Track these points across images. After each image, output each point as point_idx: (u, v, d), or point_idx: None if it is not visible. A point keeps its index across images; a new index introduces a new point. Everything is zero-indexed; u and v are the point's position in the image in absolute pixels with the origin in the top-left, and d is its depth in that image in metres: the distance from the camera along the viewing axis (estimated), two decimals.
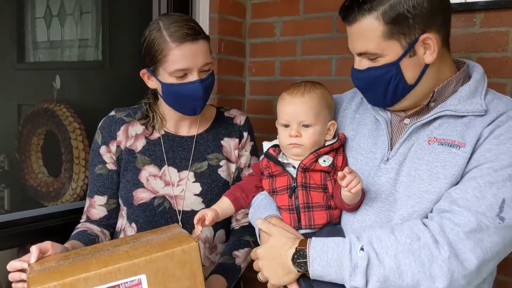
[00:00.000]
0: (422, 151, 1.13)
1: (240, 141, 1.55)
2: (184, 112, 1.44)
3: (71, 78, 2.04)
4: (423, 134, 1.15)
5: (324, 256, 1.07)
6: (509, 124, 1.08)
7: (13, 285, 1.17)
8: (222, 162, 1.51)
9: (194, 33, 1.36)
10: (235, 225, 1.57)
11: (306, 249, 1.09)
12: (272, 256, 1.15)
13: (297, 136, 1.21)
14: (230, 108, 1.62)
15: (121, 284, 1.06)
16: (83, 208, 1.88)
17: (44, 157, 1.98)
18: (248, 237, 1.54)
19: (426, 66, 1.13)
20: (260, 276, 1.20)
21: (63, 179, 2.05)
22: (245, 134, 1.56)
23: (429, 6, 1.08)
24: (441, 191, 1.08)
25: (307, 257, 1.08)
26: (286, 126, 1.24)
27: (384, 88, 1.14)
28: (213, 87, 1.44)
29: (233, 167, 1.54)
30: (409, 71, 1.12)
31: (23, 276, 1.14)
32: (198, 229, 1.24)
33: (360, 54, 1.15)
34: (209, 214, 1.25)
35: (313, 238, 1.11)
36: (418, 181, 1.11)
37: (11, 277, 1.16)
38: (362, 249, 1.05)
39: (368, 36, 1.11)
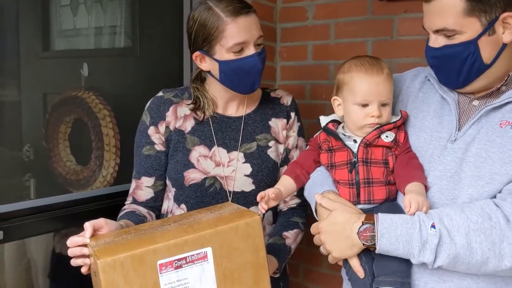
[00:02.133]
0: (494, 134, 1.13)
1: (288, 122, 1.53)
2: (242, 90, 1.42)
3: (99, 65, 2.02)
4: (494, 117, 1.15)
5: (392, 232, 1.08)
6: None
7: (72, 261, 1.15)
8: (271, 143, 1.50)
9: (245, 6, 1.36)
10: (282, 206, 1.56)
11: (372, 223, 1.10)
12: (336, 229, 1.16)
13: (379, 116, 1.21)
14: (276, 89, 1.61)
15: (188, 256, 1.06)
16: (117, 192, 1.88)
17: (72, 145, 1.97)
18: (297, 218, 1.53)
19: (504, 46, 1.12)
20: (322, 249, 1.22)
21: (93, 167, 2.03)
22: (293, 114, 1.55)
23: None
24: None
25: (375, 232, 1.09)
26: (364, 105, 1.22)
27: (459, 67, 1.13)
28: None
29: (281, 148, 1.52)
30: (486, 50, 1.11)
31: (85, 250, 1.13)
32: (262, 207, 1.23)
33: (437, 31, 1.14)
34: (271, 191, 1.24)
35: (379, 213, 1.11)
36: (489, 162, 1.11)
37: (71, 252, 1.14)
38: (433, 226, 1.06)
39: (448, 12, 1.09)
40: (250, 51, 1.35)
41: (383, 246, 1.08)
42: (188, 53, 1.46)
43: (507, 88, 1.16)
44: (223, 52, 1.35)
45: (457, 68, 1.14)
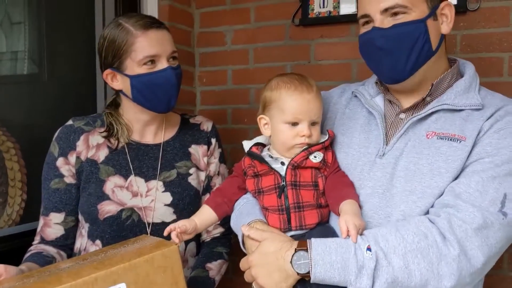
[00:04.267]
0: (421, 146, 1.12)
1: (208, 148, 1.48)
2: (157, 107, 1.35)
3: (1, 93, 1.86)
4: (420, 129, 1.14)
5: (327, 258, 1.00)
6: (508, 119, 1.10)
7: None
8: (192, 170, 1.44)
9: (157, 21, 1.34)
10: (205, 237, 1.49)
11: (306, 250, 1.02)
12: (268, 261, 1.07)
13: (310, 136, 1.16)
14: (195, 115, 1.56)
15: None
16: (24, 232, 1.71)
17: None
18: (220, 248, 1.47)
19: (443, 36, 1.15)
20: (254, 286, 1.11)
21: None
22: (213, 140, 1.50)
23: None
24: (443, 186, 1.07)
25: (309, 259, 1.01)
26: (294, 124, 1.17)
27: (410, 48, 1.12)
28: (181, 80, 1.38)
29: (202, 175, 1.46)
30: (433, 34, 1.13)
31: None
32: (175, 240, 1.13)
33: (385, 11, 1.12)
34: (180, 223, 1.15)
35: (313, 239, 1.04)
36: (418, 175, 1.09)
37: None
38: (368, 249, 1.00)
39: None
40: (163, 65, 1.31)
41: (317, 274, 1.00)
42: (102, 78, 1.38)
43: (432, 99, 1.17)
44: (134, 66, 1.29)
45: (408, 49, 1.12)
